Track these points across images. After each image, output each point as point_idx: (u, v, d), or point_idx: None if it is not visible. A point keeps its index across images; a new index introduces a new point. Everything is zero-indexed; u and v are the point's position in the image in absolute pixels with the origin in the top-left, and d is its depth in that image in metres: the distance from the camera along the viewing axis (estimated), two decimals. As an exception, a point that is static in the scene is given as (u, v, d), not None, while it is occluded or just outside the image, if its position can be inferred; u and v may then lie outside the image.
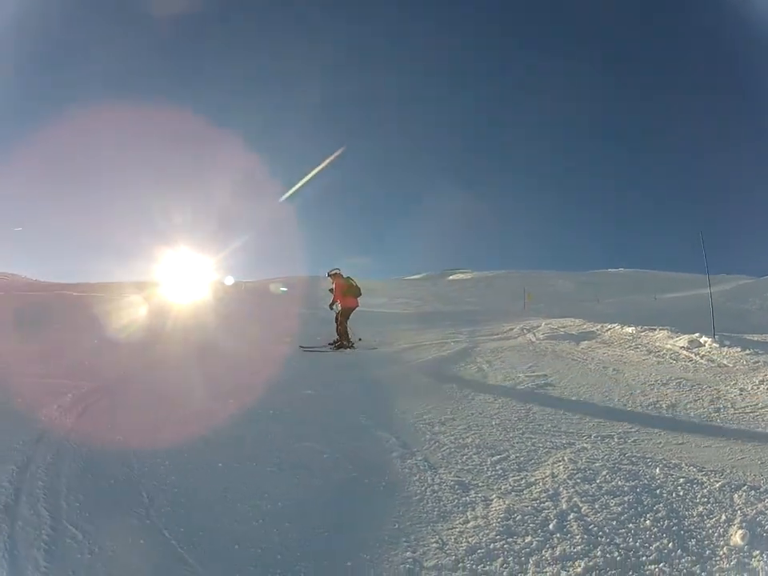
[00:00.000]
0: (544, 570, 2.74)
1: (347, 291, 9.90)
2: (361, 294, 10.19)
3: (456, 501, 3.58)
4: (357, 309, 10.24)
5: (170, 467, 4.16)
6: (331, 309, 10.05)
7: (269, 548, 3.21)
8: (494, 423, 5.07)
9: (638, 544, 2.99)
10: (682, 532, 3.10)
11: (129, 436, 4.70)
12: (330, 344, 9.79)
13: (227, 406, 5.64)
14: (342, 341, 9.65)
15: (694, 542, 3.00)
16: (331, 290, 10.38)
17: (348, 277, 10.07)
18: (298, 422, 5.21)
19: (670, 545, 2.96)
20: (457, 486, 3.78)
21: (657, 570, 2.75)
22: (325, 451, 4.42)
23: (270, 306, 17.89)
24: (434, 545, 3.04)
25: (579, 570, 2.73)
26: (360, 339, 10.09)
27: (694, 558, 2.85)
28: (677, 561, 2.82)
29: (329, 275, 10.35)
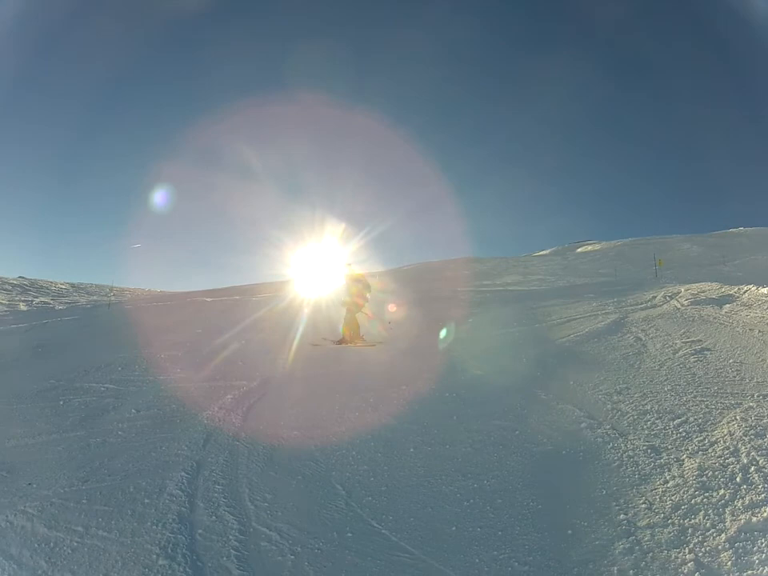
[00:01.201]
0: (738, 518, 2.86)
1: (358, 288, 9.56)
2: (370, 292, 9.76)
3: (652, 464, 3.57)
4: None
5: (358, 457, 3.96)
6: (343, 305, 9.54)
7: (487, 526, 3.02)
8: (666, 389, 4.97)
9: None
10: None
11: (305, 430, 4.51)
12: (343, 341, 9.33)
13: (402, 392, 5.37)
14: (347, 337, 9.20)
15: None
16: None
17: (359, 274, 9.80)
18: (480, 401, 5.02)
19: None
20: (649, 450, 3.75)
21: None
22: (516, 428, 4.32)
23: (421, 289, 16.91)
24: (643, 505, 3.07)
25: (765, 515, 2.86)
26: None
27: None
28: None
29: (343, 272, 9.93)
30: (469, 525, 3.03)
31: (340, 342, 9.00)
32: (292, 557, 2.78)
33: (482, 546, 2.84)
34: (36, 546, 3.14)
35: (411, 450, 3.98)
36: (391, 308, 11.46)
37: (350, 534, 2.94)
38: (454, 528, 3.01)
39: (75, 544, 3.08)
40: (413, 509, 3.18)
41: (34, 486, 3.85)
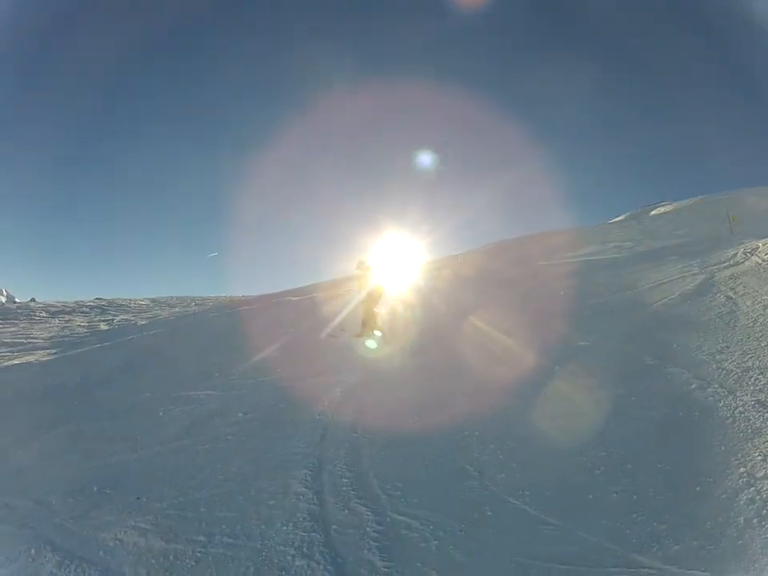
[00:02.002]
0: None
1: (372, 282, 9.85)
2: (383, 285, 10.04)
3: (761, 417, 3.53)
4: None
5: (482, 437, 3.88)
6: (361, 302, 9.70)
7: (622, 490, 3.00)
8: (763, 345, 4.87)
9: None
10: None
11: (421, 417, 4.45)
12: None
13: (507, 371, 5.29)
14: (366, 329, 9.16)
15: None
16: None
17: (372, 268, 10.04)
18: (589, 372, 4.95)
19: None
20: (757, 405, 3.70)
21: None
22: (631, 394, 4.27)
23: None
24: (758, 457, 3.08)
25: None
26: None
27: None
28: None
29: (357, 267, 10.06)
30: (604, 491, 3.00)
31: (359, 335, 9.03)
32: (435, 541, 2.71)
33: (621, 511, 2.83)
34: (153, 561, 3.09)
35: (533, 425, 3.92)
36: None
37: (489, 513, 2.87)
38: (590, 496, 2.96)
39: (198, 554, 3.02)
40: (547, 481, 3.13)
41: (143, 499, 3.81)
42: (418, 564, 2.58)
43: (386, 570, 2.57)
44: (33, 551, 3.56)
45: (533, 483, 3.12)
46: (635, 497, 2.91)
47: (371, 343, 7.56)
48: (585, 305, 8.14)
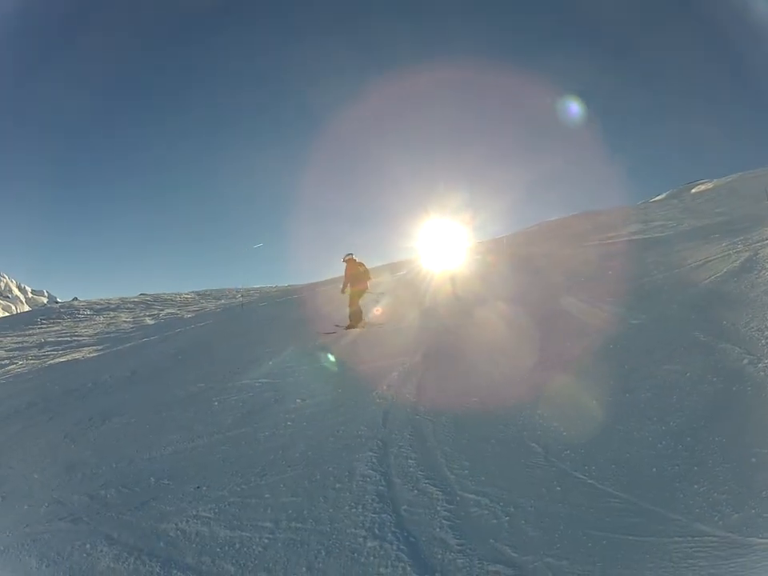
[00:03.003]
0: None
1: (357, 276, 10.20)
2: (370, 279, 10.41)
3: None
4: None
5: (545, 415, 3.91)
6: (343, 293, 10.12)
7: (683, 463, 3.07)
8: None
9: None
10: None
11: (483, 396, 4.46)
12: (345, 326, 9.82)
13: (567, 349, 5.32)
14: (353, 322, 9.68)
15: None
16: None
17: (359, 262, 10.37)
18: (645, 350, 4.98)
19: None
20: None
21: None
22: (686, 371, 4.32)
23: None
24: None
25: None
26: None
27: None
28: None
29: (343, 261, 10.46)
30: (666, 464, 3.04)
31: (348, 326, 9.50)
32: (507, 518, 2.75)
33: (683, 482, 2.88)
34: (218, 550, 3.07)
35: (594, 402, 3.94)
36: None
37: (558, 488, 2.91)
38: (654, 469, 3.01)
39: (266, 541, 3.02)
40: (611, 456, 3.16)
41: (204, 488, 3.82)
42: (491, 541, 2.60)
43: (459, 547, 2.59)
44: (88, 546, 3.54)
45: (597, 459, 3.15)
46: (696, 468, 2.97)
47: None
48: (634, 284, 8.17)
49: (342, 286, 10.21)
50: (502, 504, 2.85)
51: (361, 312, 9.83)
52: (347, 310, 9.84)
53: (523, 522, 2.71)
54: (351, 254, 10.30)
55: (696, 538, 2.44)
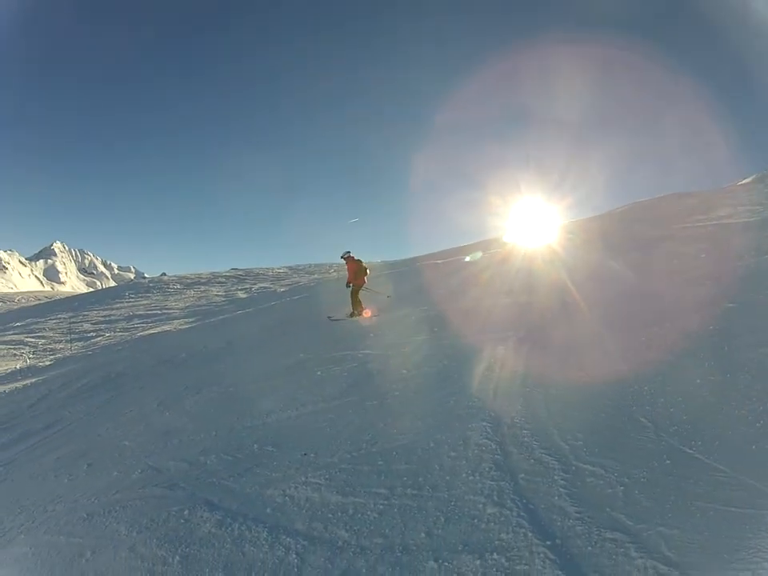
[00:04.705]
0: None
1: (359, 272, 11.17)
2: (368, 274, 11.43)
3: None
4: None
5: (651, 391, 3.97)
6: (347, 287, 11.21)
7: None
8: None
9: None
10: None
11: (590, 371, 4.53)
12: (348, 315, 10.94)
13: (667, 330, 5.29)
14: (354, 310, 10.85)
15: None
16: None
17: (358, 260, 11.33)
18: (748, 330, 4.95)
19: None
20: None
21: None
22: None
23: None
24: None
25: None
26: None
27: None
28: None
29: (342, 258, 11.48)
30: (765, 442, 3.13)
31: (351, 315, 10.73)
32: (621, 488, 2.89)
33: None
34: (330, 516, 3.15)
35: (697, 381, 4.01)
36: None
37: (668, 462, 3.05)
38: (753, 447, 3.12)
39: (381, 507, 3.11)
40: (715, 433, 3.28)
41: (311, 455, 3.93)
42: (607, 509, 2.75)
43: (577, 515, 2.74)
44: (186, 512, 3.62)
45: (702, 434, 3.28)
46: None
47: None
48: (727, 267, 8.14)
49: (346, 282, 11.28)
50: (616, 474, 2.99)
51: (360, 302, 10.95)
52: (350, 300, 10.97)
53: (637, 492, 2.85)
54: (349, 252, 11.36)
55: (796, 513, 2.56)
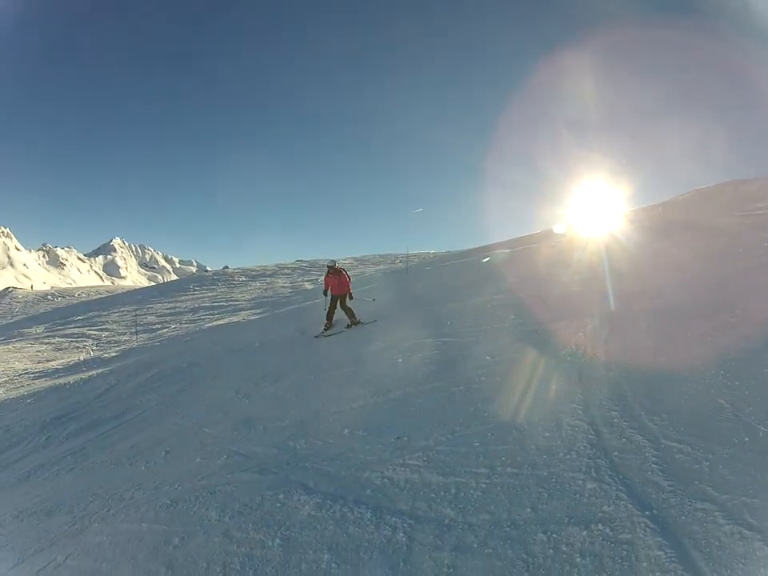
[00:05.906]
0: None
1: (342, 282, 10.95)
2: (349, 283, 11.18)
3: None
4: None
5: (727, 375, 4.10)
6: (325, 296, 10.87)
7: None
8: None
9: None
10: None
11: (670, 356, 4.64)
12: (347, 326, 10.64)
13: (738, 317, 5.28)
14: (352, 318, 10.55)
15: None
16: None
17: (342, 269, 11.09)
18: None
19: None
20: None
21: None
22: None
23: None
24: None
25: None
26: None
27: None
28: None
29: (330, 267, 11.21)
30: None
31: (352, 324, 10.43)
32: (707, 463, 3.14)
33: None
34: (432, 495, 3.30)
35: (766, 370, 4.08)
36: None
37: (747, 439, 3.28)
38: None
39: (484, 485, 3.29)
40: None
41: (405, 439, 4.10)
42: (696, 482, 3.01)
43: (670, 488, 3.00)
44: (281, 496, 3.68)
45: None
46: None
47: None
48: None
49: (342, 293, 10.81)
50: (701, 451, 3.25)
51: (352, 310, 10.70)
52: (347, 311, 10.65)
53: (721, 466, 3.10)
54: (335, 262, 11.16)
55: None
